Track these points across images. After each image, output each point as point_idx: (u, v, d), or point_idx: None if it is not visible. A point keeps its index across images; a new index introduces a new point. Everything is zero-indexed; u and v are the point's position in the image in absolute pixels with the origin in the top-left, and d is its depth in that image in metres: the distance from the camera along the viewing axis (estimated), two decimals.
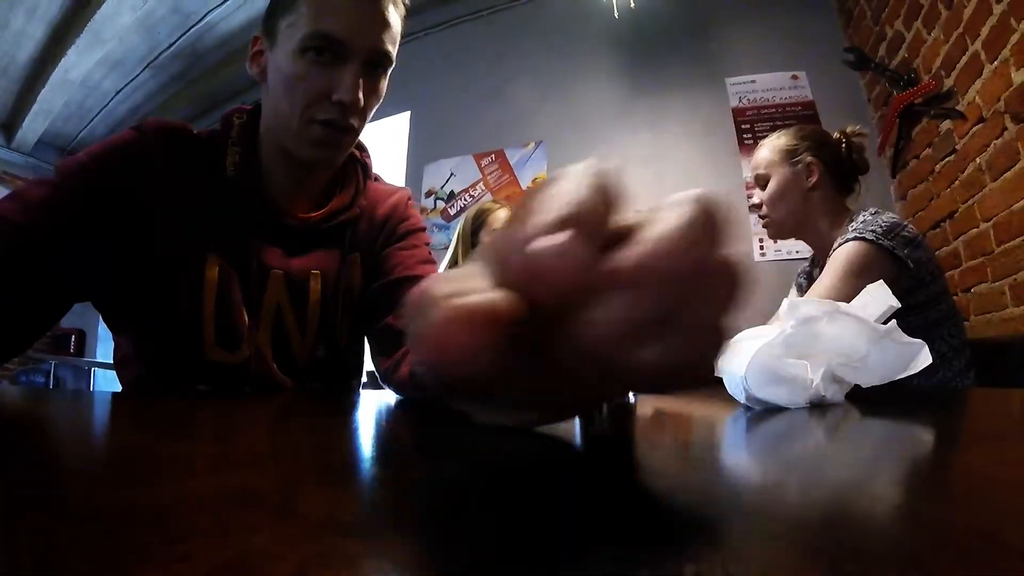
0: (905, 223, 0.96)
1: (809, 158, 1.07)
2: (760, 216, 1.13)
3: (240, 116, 0.65)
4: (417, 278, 0.65)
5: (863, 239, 0.92)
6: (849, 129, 1.11)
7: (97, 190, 0.56)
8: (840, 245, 0.95)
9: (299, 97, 0.57)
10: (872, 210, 1.00)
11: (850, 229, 0.96)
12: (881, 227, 0.93)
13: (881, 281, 0.45)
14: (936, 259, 0.98)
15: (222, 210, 0.61)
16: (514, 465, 0.23)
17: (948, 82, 1.76)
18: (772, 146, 1.11)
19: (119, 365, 0.69)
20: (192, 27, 3.14)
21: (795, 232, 1.10)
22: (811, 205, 1.07)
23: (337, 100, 0.56)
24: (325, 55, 0.56)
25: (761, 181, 1.11)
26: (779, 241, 1.17)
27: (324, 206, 0.67)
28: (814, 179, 1.06)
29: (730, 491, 0.16)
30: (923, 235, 0.98)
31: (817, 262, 1.10)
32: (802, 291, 1.12)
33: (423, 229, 0.75)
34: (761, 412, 0.35)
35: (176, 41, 3.24)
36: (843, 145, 1.09)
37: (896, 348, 0.38)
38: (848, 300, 1.01)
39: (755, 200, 1.13)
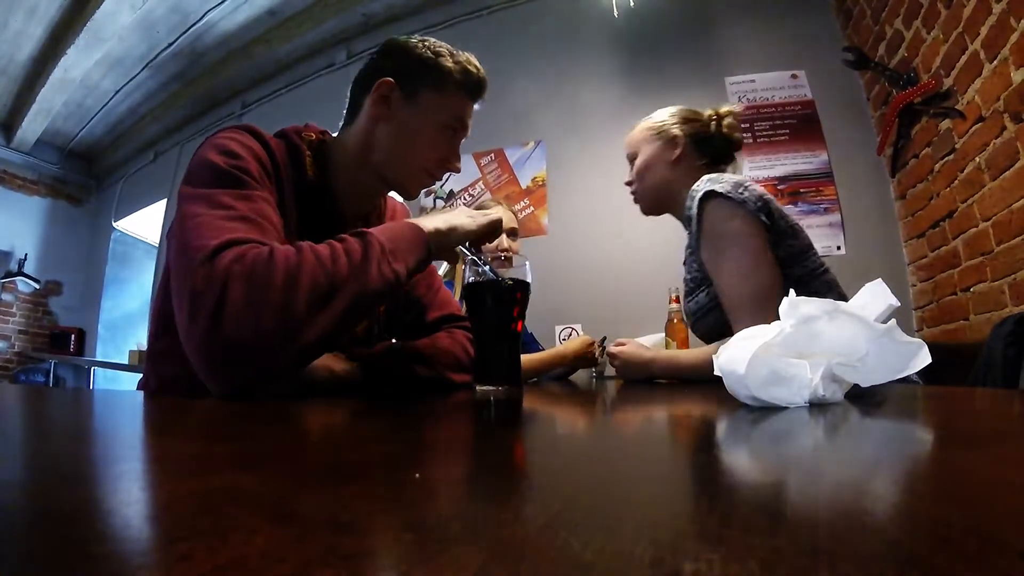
0: (748, 181, 0.96)
1: (674, 132, 1.09)
2: (631, 192, 1.15)
3: (312, 135, 0.80)
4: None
5: (714, 192, 0.92)
6: (723, 109, 1.13)
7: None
8: (694, 204, 0.95)
9: (427, 155, 0.79)
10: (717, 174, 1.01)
11: (694, 189, 0.97)
12: (730, 182, 0.94)
13: (880, 280, 0.45)
14: (788, 216, 0.97)
15: (301, 205, 0.74)
16: (513, 464, 0.23)
17: (947, 81, 1.76)
18: (641, 126, 1.14)
19: (157, 357, 0.72)
20: (191, 26, 3.14)
21: (663, 204, 1.12)
22: (676, 177, 1.08)
23: (451, 167, 0.82)
24: (455, 132, 0.80)
25: (631, 160, 1.14)
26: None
27: (364, 210, 0.85)
28: (678, 151, 1.08)
29: (730, 491, 0.16)
30: (767, 195, 0.96)
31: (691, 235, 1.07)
32: (687, 266, 1.09)
33: None
34: (761, 412, 0.35)
35: (175, 40, 3.24)
36: (713, 122, 1.11)
37: (895, 348, 0.38)
38: (761, 273, 0.94)
39: (627, 178, 1.16)
